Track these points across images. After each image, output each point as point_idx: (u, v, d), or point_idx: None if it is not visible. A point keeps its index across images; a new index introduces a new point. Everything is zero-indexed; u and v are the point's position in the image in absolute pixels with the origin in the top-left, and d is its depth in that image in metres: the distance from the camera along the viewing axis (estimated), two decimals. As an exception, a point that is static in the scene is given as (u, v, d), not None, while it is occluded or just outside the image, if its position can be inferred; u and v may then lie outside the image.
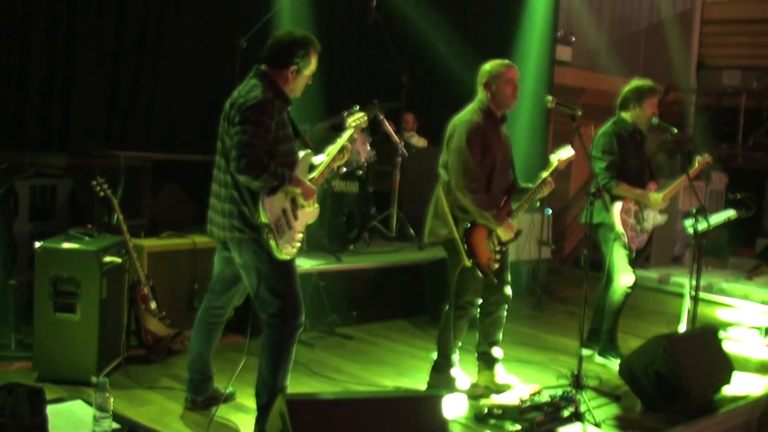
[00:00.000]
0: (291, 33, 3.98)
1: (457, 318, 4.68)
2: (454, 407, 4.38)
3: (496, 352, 4.87)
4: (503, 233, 4.59)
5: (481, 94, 4.64)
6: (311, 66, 3.96)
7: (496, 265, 4.64)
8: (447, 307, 4.70)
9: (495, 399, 4.61)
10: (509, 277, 4.82)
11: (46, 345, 4.49)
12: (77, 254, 4.50)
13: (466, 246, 4.49)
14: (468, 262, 4.49)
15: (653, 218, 5.51)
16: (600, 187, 4.86)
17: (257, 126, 3.68)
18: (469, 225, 4.50)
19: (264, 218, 3.72)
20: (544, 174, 4.67)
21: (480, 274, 4.54)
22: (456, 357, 4.78)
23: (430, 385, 4.74)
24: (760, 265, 9.17)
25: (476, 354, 4.92)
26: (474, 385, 4.80)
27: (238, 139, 3.67)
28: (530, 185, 4.72)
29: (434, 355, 4.80)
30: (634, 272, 5.44)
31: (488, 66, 4.64)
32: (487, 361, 4.87)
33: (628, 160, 5.39)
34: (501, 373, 4.87)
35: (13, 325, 4.91)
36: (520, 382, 4.86)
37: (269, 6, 6.72)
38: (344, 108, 6.24)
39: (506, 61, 4.67)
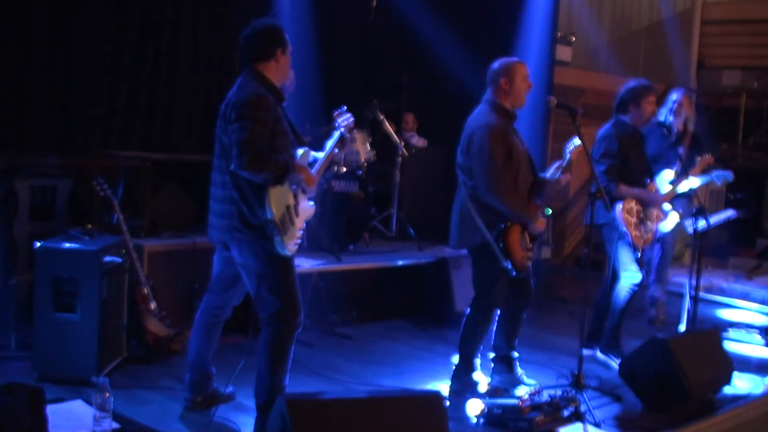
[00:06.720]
0: (261, 23, 3.98)
1: (483, 322, 4.67)
2: (471, 410, 4.39)
3: (515, 353, 4.91)
4: (538, 225, 4.58)
5: (494, 93, 4.58)
6: (288, 45, 3.98)
7: (529, 263, 4.63)
8: (471, 311, 4.69)
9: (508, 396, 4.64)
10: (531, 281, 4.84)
11: (46, 345, 4.49)
12: (77, 254, 4.49)
13: (501, 245, 4.46)
14: (505, 264, 4.46)
15: (657, 217, 5.50)
16: (600, 188, 4.87)
17: (254, 121, 3.69)
18: (502, 226, 4.46)
19: (270, 214, 3.72)
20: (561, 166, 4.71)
21: (513, 274, 4.51)
22: (478, 361, 4.78)
23: (452, 391, 4.66)
24: (760, 265, 9.17)
25: (495, 356, 4.93)
26: (495, 388, 4.80)
27: (237, 136, 3.67)
28: (545, 176, 4.71)
29: (455, 360, 4.78)
30: (640, 271, 5.43)
31: (502, 63, 4.60)
32: (507, 363, 4.89)
33: (630, 161, 5.40)
34: (521, 373, 4.90)
35: (13, 325, 4.91)
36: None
37: (269, 6, 6.72)
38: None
39: (517, 59, 4.65)
